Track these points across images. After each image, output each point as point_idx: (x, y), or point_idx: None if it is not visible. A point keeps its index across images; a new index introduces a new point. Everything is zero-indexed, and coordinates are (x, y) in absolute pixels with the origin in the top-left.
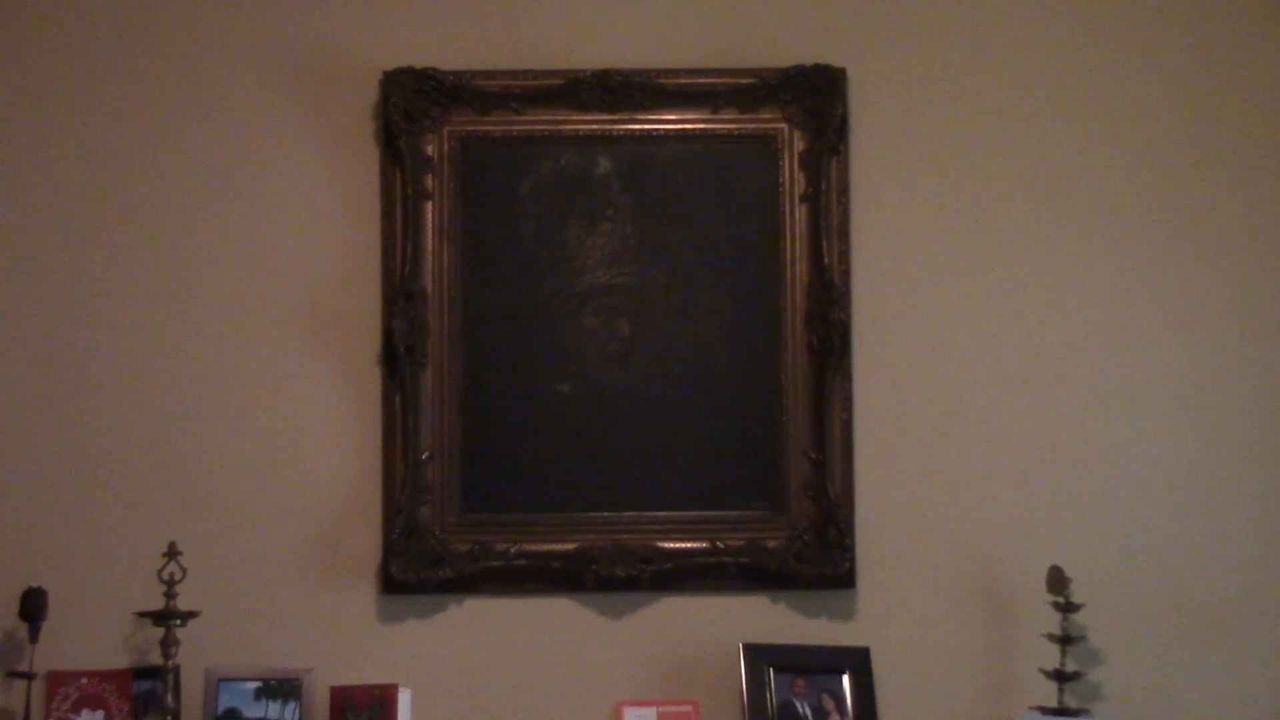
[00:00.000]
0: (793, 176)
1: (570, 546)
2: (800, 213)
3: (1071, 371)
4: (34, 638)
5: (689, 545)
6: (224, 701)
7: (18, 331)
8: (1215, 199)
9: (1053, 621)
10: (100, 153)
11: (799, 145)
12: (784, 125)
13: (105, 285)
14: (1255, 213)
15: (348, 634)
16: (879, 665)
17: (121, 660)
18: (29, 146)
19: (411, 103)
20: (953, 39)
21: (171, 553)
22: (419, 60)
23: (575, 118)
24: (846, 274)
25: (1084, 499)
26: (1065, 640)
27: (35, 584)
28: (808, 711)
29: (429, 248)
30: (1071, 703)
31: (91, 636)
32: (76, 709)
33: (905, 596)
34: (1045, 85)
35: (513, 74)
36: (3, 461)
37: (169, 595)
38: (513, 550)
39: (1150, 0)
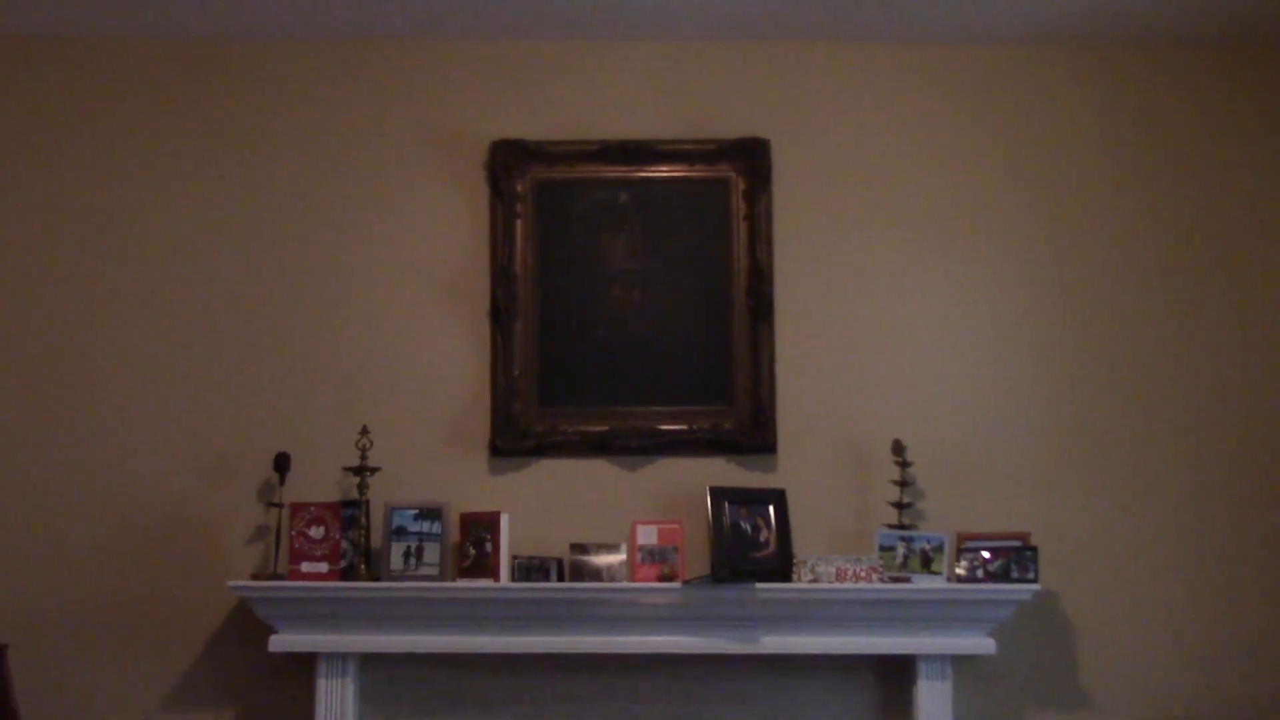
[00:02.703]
0: (738, 205)
1: (604, 428)
2: (743, 227)
3: (913, 322)
4: (282, 482)
5: (676, 427)
6: (395, 522)
7: (286, 305)
8: (1008, 217)
9: (896, 473)
10: (326, 197)
11: (742, 186)
12: (733, 174)
13: (328, 274)
14: (1024, 218)
15: (470, 480)
16: (792, 500)
17: (334, 496)
18: (282, 205)
19: (507, 160)
20: (839, 121)
21: (364, 432)
22: (513, 134)
23: (606, 169)
24: (771, 264)
25: (917, 397)
26: (902, 484)
27: (283, 450)
28: (749, 528)
29: (518, 248)
30: (906, 521)
31: (317, 482)
32: (308, 526)
33: (807, 458)
34: (896, 148)
35: (569, 142)
36: (274, 378)
37: (363, 457)
38: (570, 430)
39: (979, 76)
